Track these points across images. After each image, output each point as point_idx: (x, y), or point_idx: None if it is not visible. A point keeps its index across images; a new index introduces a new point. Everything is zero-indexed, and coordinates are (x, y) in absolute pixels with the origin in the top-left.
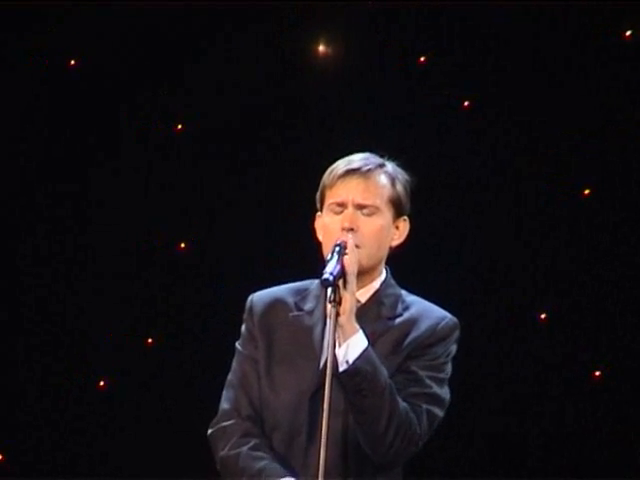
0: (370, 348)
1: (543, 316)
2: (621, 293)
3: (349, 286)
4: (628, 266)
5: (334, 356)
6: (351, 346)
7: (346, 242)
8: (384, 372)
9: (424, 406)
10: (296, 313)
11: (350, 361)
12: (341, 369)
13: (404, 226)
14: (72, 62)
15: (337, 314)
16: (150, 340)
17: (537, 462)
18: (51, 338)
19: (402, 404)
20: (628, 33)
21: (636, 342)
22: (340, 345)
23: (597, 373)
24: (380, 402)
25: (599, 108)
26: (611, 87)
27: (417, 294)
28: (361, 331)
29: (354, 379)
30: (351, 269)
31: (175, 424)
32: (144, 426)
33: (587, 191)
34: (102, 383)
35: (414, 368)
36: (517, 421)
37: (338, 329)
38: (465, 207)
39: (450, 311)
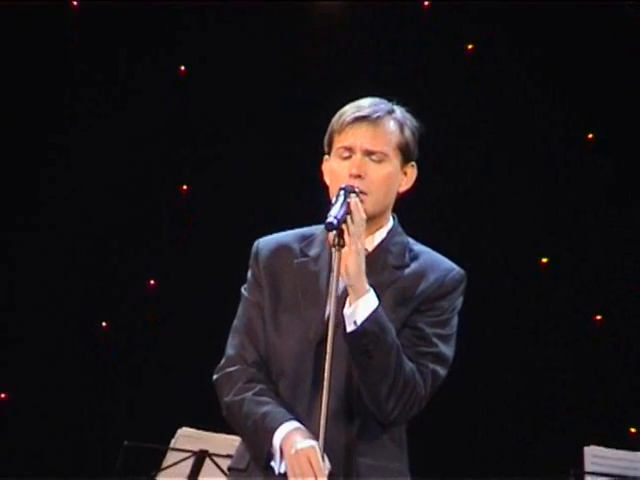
0: (380, 309)
1: (545, 260)
2: (622, 238)
3: (355, 246)
4: (629, 213)
5: (337, 303)
6: (360, 306)
7: (352, 186)
8: (392, 333)
9: (431, 366)
10: (301, 259)
11: (358, 322)
12: (348, 329)
13: (412, 172)
14: (75, 2)
15: (340, 258)
16: (152, 282)
17: (540, 407)
18: (55, 279)
19: (409, 365)
20: None
21: (637, 287)
22: (350, 304)
23: (598, 317)
24: (386, 364)
25: (605, 51)
26: (615, 31)
27: (422, 241)
28: (372, 291)
29: (361, 340)
30: (357, 229)
31: (178, 367)
32: (147, 369)
33: (590, 135)
34: (104, 324)
35: (421, 325)
36: (521, 365)
37: (348, 288)
38: (469, 152)
39: (453, 257)
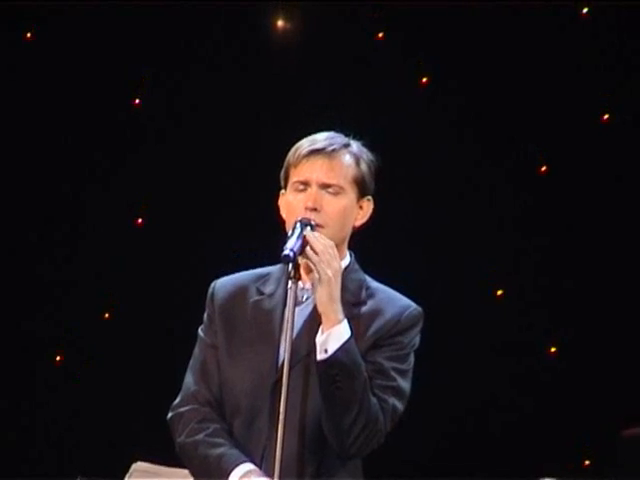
0: (352, 341)
1: (500, 293)
2: (577, 268)
3: (323, 275)
4: (583, 242)
5: (291, 337)
6: (332, 336)
7: (308, 219)
8: (362, 367)
9: (390, 401)
10: (256, 298)
11: (329, 351)
12: (319, 357)
13: (368, 206)
14: (28, 35)
15: (296, 291)
16: (107, 315)
17: (494, 439)
18: (7, 312)
19: (373, 400)
20: (585, 11)
21: (591, 318)
22: (322, 332)
23: (553, 349)
24: (352, 396)
25: (557, 84)
26: (569, 63)
27: (377, 275)
28: (345, 322)
29: (331, 369)
30: (324, 257)
31: (133, 401)
32: (101, 402)
33: (544, 168)
34: (58, 358)
35: (380, 359)
36: (475, 399)
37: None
38: (422, 186)
39: (407, 291)
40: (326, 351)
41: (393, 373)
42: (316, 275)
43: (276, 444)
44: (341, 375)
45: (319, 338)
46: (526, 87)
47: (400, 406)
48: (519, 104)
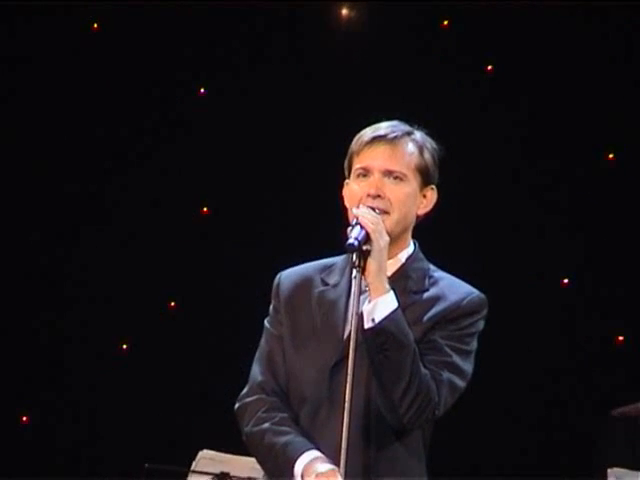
0: (399, 311)
1: (566, 281)
2: None
3: (377, 244)
4: None
5: (357, 322)
6: (379, 305)
7: (372, 207)
8: (410, 336)
9: (444, 375)
10: (321, 288)
11: (376, 319)
12: (366, 326)
13: (431, 195)
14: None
15: (361, 279)
16: (173, 303)
17: (560, 425)
18: (74, 299)
19: (424, 371)
20: None
21: None
22: (369, 302)
23: (620, 338)
24: (402, 364)
25: (624, 69)
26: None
27: (442, 265)
28: (392, 293)
29: (378, 338)
30: (377, 227)
31: (199, 390)
32: (167, 391)
33: (611, 155)
34: (125, 346)
35: (434, 337)
36: (541, 386)
37: (367, 287)
38: (488, 174)
39: (473, 279)
40: (373, 320)
41: (448, 350)
42: (372, 242)
43: (341, 430)
44: (389, 344)
45: (366, 307)
46: (592, 74)
47: (459, 382)
48: (586, 91)
